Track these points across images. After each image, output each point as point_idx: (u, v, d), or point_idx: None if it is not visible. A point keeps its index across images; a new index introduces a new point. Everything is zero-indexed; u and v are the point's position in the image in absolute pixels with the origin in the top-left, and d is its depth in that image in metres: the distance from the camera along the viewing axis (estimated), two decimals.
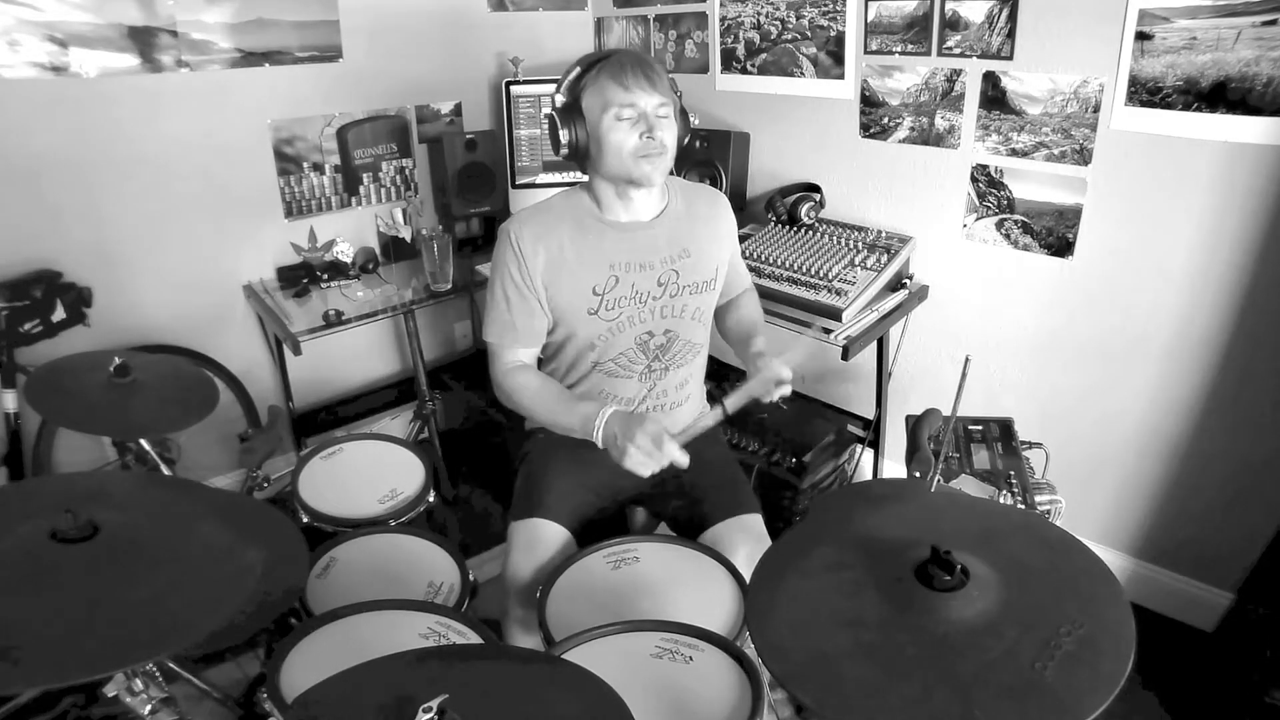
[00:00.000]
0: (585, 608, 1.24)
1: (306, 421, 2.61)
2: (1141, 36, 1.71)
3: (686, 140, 1.48)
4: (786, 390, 1.38)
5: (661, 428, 1.27)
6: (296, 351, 2.14)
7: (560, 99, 1.41)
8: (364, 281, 2.51)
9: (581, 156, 1.42)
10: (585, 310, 1.44)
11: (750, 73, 2.51)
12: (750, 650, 1.08)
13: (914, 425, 1.67)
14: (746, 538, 1.43)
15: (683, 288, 1.49)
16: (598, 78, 1.36)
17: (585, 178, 1.48)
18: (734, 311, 1.68)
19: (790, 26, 2.35)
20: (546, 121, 1.43)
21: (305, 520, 1.52)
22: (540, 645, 1.22)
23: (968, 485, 1.56)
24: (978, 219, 2.12)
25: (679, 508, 1.55)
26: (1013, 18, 1.89)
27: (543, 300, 1.44)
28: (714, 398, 1.42)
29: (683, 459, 1.27)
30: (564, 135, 1.39)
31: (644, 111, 1.35)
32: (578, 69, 1.39)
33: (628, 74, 1.33)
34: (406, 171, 2.70)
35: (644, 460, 1.26)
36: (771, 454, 2.26)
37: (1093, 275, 1.96)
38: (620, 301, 1.45)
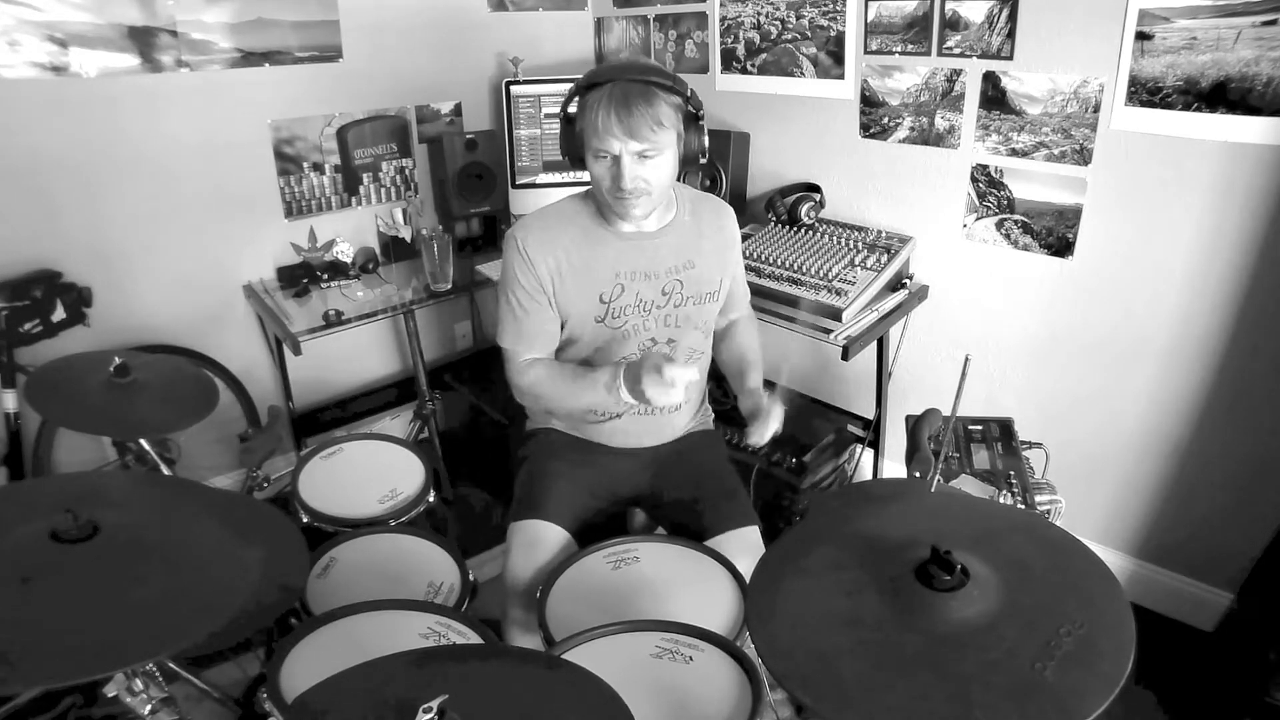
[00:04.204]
0: (585, 608, 1.24)
1: (306, 421, 2.61)
2: (1141, 36, 1.71)
3: (703, 159, 1.41)
4: (764, 438, 1.40)
5: (659, 358, 1.27)
6: (296, 351, 2.14)
7: (566, 110, 1.40)
8: (364, 281, 2.51)
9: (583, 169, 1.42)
10: (593, 318, 1.45)
11: (750, 73, 2.51)
12: (750, 650, 1.08)
13: (914, 425, 1.67)
14: (744, 550, 1.42)
15: (686, 298, 1.49)
16: (587, 107, 1.31)
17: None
18: (730, 339, 1.65)
19: (790, 26, 2.35)
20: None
21: (305, 520, 1.52)
22: (540, 646, 1.22)
23: (968, 485, 1.56)
24: (978, 219, 2.12)
25: (678, 515, 1.55)
26: (1013, 18, 1.89)
27: (553, 304, 1.45)
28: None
29: (690, 373, 1.28)
30: (564, 146, 1.42)
31: (617, 157, 1.30)
32: (579, 86, 1.35)
33: (607, 116, 1.27)
34: (406, 171, 2.70)
35: (665, 391, 1.27)
36: (771, 454, 2.26)
37: (1093, 275, 1.96)
38: (625, 310, 1.45)
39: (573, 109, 1.38)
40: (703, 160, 1.41)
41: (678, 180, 1.55)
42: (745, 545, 1.45)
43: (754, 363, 1.58)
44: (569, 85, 1.39)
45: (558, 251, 1.42)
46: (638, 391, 1.30)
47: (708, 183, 2.47)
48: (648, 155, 1.30)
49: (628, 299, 1.45)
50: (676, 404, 1.26)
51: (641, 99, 1.27)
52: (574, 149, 1.39)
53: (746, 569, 1.35)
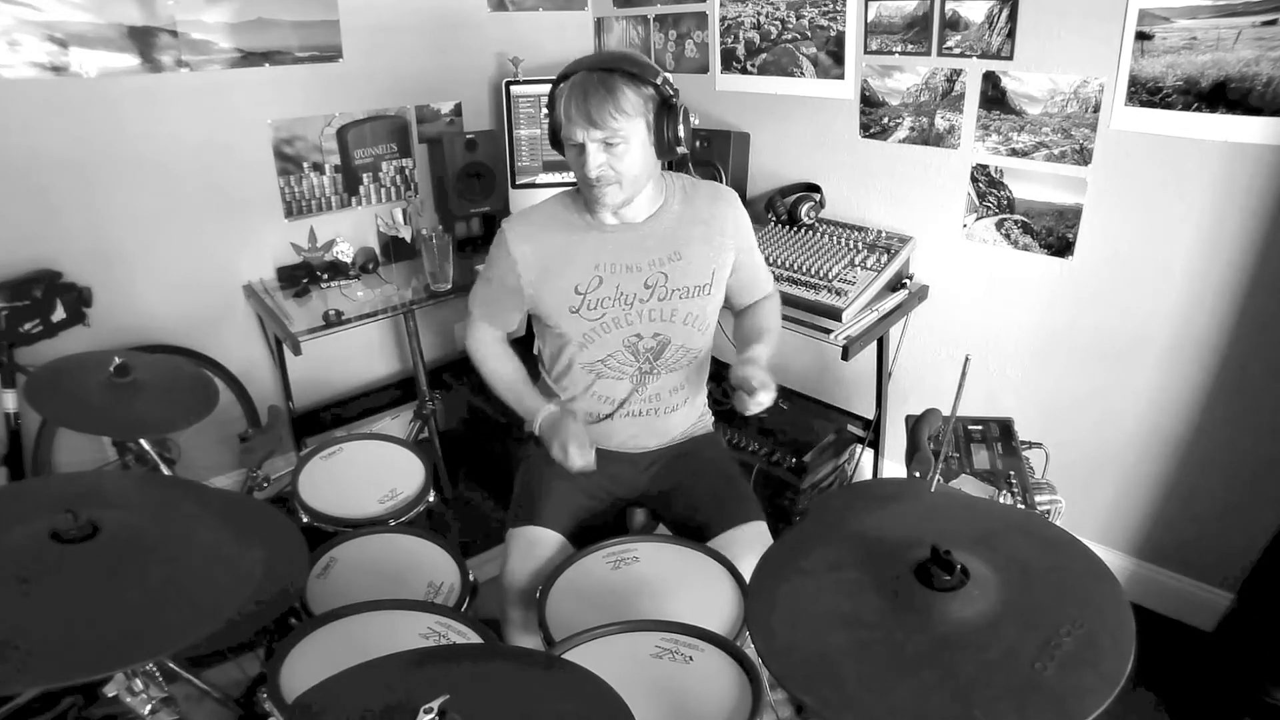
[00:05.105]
0: (585, 608, 1.24)
1: (306, 421, 2.61)
2: (1141, 36, 1.71)
3: (680, 150, 1.39)
4: (762, 401, 1.37)
5: (568, 435, 1.40)
6: (296, 351, 2.14)
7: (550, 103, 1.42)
8: (364, 281, 2.51)
9: None
10: (567, 308, 1.45)
11: (750, 73, 2.51)
12: (750, 650, 1.08)
13: (914, 425, 1.67)
14: (752, 545, 1.42)
15: (672, 291, 1.46)
16: (557, 99, 1.35)
17: None
18: (747, 316, 1.62)
19: (790, 26, 2.35)
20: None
21: (305, 520, 1.52)
22: (540, 646, 1.22)
23: (968, 485, 1.56)
24: (978, 219, 2.12)
25: (681, 514, 1.55)
26: (1013, 18, 1.89)
27: (524, 298, 1.48)
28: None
29: (580, 464, 1.40)
30: (551, 140, 1.44)
31: (581, 144, 1.32)
32: (554, 82, 1.38)
33: (569, 105, 1.31)
34: (406, 171, 2.70)
35: (560, 457, 1.42)
36: (771, 454, 2.26)
37: (1093, 275, 1.96)
38: (604, 302, 1.45)
39: (550, 102, 1.41)
40: (681, 150, 1.39)
41: (678, 171, 1.55)
42: (753, 540, 1.44)
43: (764, 334, 1.53)
44: None
45: (540, 244, 1.44)
46: (547, 440, 1.44)
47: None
48: (611, 143, 1.32)
49: (606, 291, 1.45)
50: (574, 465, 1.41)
51: (602, 87, 1.30)
52: (556, 141, 1.42)
53: (754, 564, 1.34)
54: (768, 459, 2.26)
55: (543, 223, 1.47)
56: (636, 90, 1.32)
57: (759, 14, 2.41)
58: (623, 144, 1.32)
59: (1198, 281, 1.80)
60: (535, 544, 1.45)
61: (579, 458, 1.39)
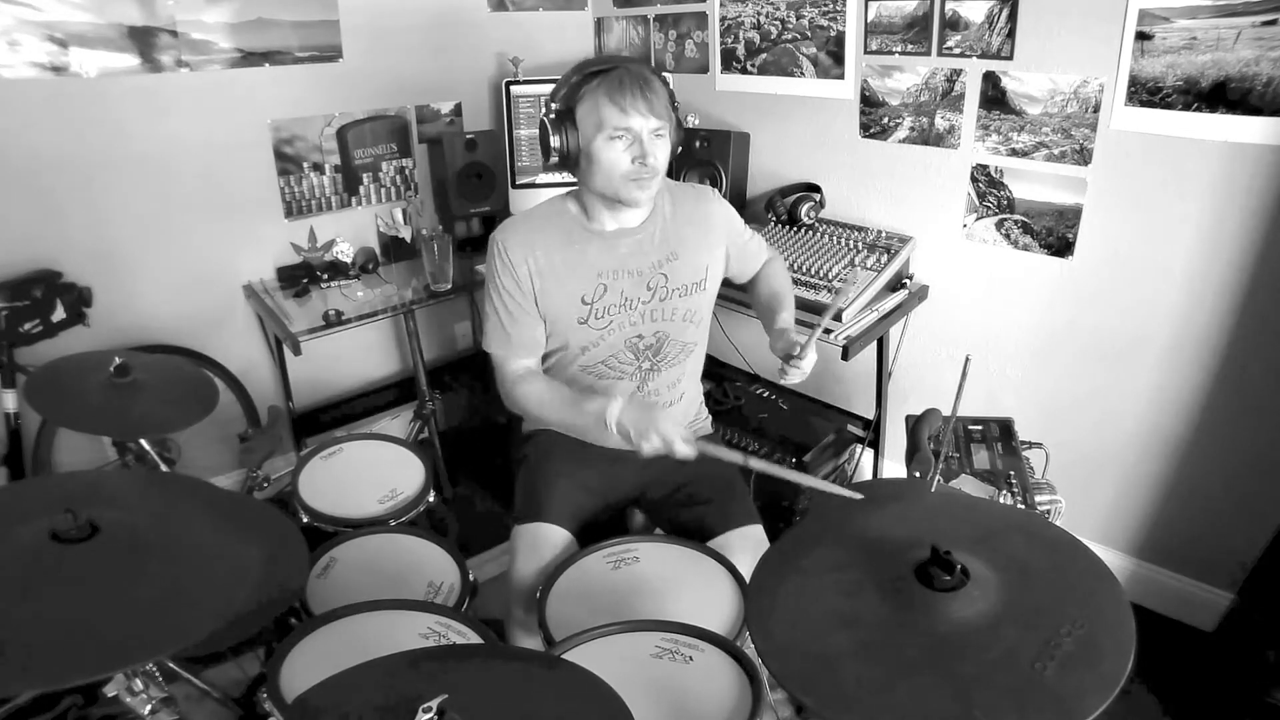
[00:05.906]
0: (585, 608, 1.24)
1: (306, 421, 2.61)
2: (1141, 36, 1.71)
3: (679, 150, 1.45)
4: (798, 373, 1.39)
5: (671, 427, 1.25)
6: (296, 351, 2.14)
7: (555, 105, 1.38)
8: (364, 281, 2.51)
9: (572, 166, 1.40)
10: (575, 320, 1.45)
11: (750, 73, 2.51)
12: (750, 650, 1.08)
13: (914, 425, 1.67)
14: (749, 548, 1.42)
15: (671, 291, 1.48)
16: (595, 91, 1.32)
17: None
18: (759, 283, 1.66)
19: (790, 26, 2.35)
20: (539, 126, 1.41)
21: (305, 520, 1.52)
22: (541, 646, 1.22)
23: (968, 485, 1.56)
24: (978, 219, 2.12)
25: (679, 516, 1.55)
26: (1013, 18, 1.89)
27: (537, 306, 1.45)
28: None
29: (690, 452, 1.26)
30: (555, 143, 1.37)
31: (639, 135, 1.31)
32: (576, 77, 1.36)
33: (626, 95, 1.29)
34: (406, 171, 2.70)
35: (655, 451, 1.25)
36: (771, 454, 2.26)
37: (1093, 275, 1.95)
38: (610, 310, 1.45)
39: (565, 100, 1.38)
40: (677, 150, 1.44)
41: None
42: (749, 543, 1.44)
43: (784, 300, 1.57)
44: None
45: (537, 253, 1.42)
46: (633, 440, 1.25)
47: (707, 182, 2.47)
48: (660, 134, 1.34)
49: (612, 298, 1.45)
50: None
51: (655, 79, 1.34)
52: (569, 140, 1.36)
53: (750, 567, 1.34)
54: (767, 459, 2.26)
55: (536, 229, 1.45)
56: (668, 91, 1.37)
57: (759, 14, 2.41)
58: (664, 138, 1.35)
59: (1198, 281, 1.80)
60: (541, 541, 1.44)
61: (684, 445, 1.24)
